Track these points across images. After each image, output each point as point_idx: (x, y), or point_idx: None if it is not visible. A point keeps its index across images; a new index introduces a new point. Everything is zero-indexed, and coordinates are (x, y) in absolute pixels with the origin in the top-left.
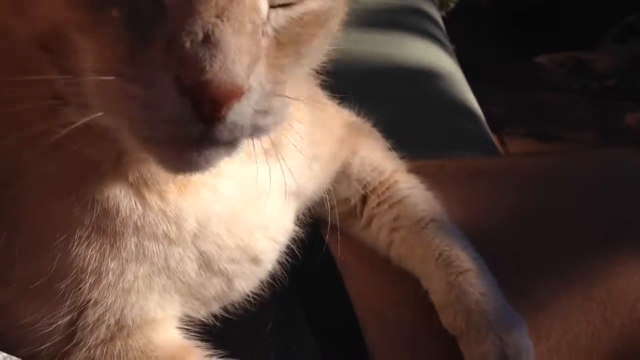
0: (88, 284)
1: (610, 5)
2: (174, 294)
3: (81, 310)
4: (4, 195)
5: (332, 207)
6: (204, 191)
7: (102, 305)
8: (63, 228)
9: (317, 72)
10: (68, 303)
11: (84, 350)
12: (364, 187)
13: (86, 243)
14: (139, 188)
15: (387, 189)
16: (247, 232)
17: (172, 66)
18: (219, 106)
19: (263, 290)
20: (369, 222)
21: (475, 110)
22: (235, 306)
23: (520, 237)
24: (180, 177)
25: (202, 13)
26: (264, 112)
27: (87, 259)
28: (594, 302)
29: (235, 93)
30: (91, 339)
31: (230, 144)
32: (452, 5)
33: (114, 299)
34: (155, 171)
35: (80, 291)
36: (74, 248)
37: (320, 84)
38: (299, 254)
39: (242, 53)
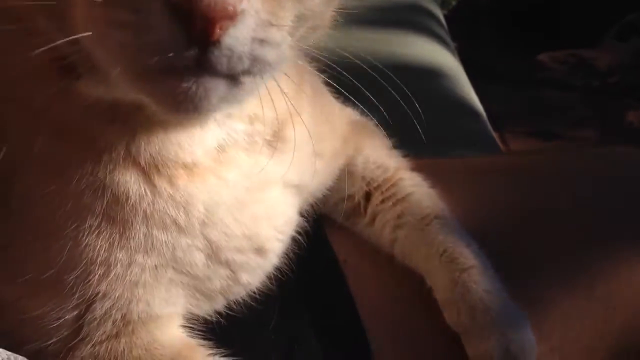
0: (97, 275)
1: (611, 4)
2: (180, 288)
3: (89, 304)
4: (10, 190)
5: (335, 204)
6: (211, 178)
7: (109, 298)
8: (74, 216)
9: (321, 68)
10: (77, 296)
11: (89, 346)
12: (368, 184)
13: (96, 232)
14: (149, 174)
15: (391, 186)
16: (252, 221)
17: None
18: (211, 26)
19: (267, 286)
20: (373, 219)
21: (477, 108)
22: (239, 303)
23: (522, 236)
24: (181, 117)
25: None
26: (262, 41)
27: (97, 249)
28: (596, 302)
29: (226, 12)
30: (97, 335)
31: (231, 79)
32: (453, 2)
33: (121, 291)
34: (166, 151)
35: (89, 283)
36: (84, 237)
37: (325, 82)
38: (304, 244)
39: None
